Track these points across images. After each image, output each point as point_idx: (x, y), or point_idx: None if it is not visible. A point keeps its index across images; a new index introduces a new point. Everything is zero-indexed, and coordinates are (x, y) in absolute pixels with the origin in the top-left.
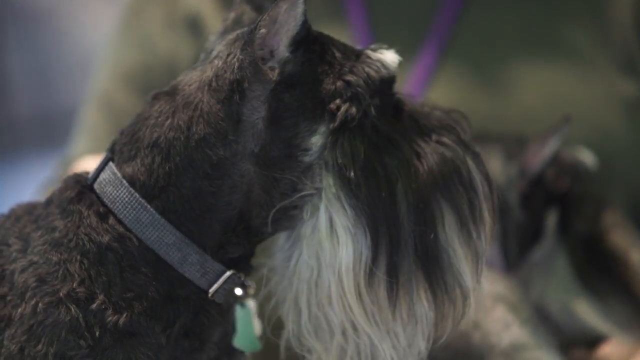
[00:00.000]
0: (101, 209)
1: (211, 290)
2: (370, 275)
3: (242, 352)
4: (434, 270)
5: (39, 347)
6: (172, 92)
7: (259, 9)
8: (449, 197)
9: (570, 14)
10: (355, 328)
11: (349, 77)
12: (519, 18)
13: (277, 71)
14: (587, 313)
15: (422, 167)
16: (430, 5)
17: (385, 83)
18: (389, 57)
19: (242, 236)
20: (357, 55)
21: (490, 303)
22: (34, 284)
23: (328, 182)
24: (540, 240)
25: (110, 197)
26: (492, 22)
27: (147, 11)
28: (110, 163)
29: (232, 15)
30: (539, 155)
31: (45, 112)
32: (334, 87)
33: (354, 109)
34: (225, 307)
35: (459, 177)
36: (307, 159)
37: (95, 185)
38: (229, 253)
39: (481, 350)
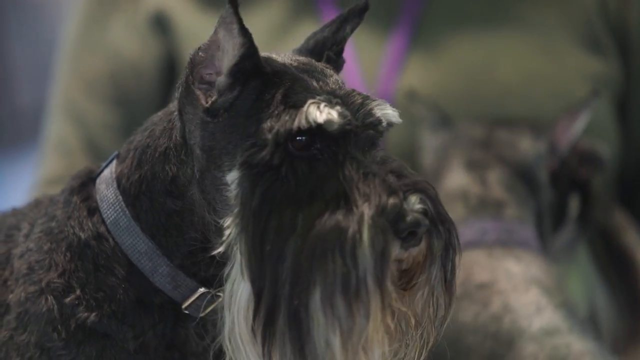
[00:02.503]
0: (93, 205)
1: (185, 304)
2: (254, 324)
3: None
4: (301, 335)
5: (24, 336)
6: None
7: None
8: (322, 267)
9: None
10: None
11: (269, 122)
12: None
13: (213, 98)
14: (602, 304)
15: (313, 231)
16: None
17: (325, 137)
18: (324, 114)
19: (208, 258)
20: (299, 103)
21: (524, 286)
22: (25, 271)
23: (233, 222)
24: (563, 225)
25: (101, 194)
26: (460, 1)
27: (108, 17)
28: (115, 160)
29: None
30: (569, 132)
31: (47, 104)
32: (254, 128)
33: (262, 153)
34: (213, 321)
35: (340, 249)
36: (229, 194)
37: (97, 180)
38: (202, 271)
39: (511, 334)
